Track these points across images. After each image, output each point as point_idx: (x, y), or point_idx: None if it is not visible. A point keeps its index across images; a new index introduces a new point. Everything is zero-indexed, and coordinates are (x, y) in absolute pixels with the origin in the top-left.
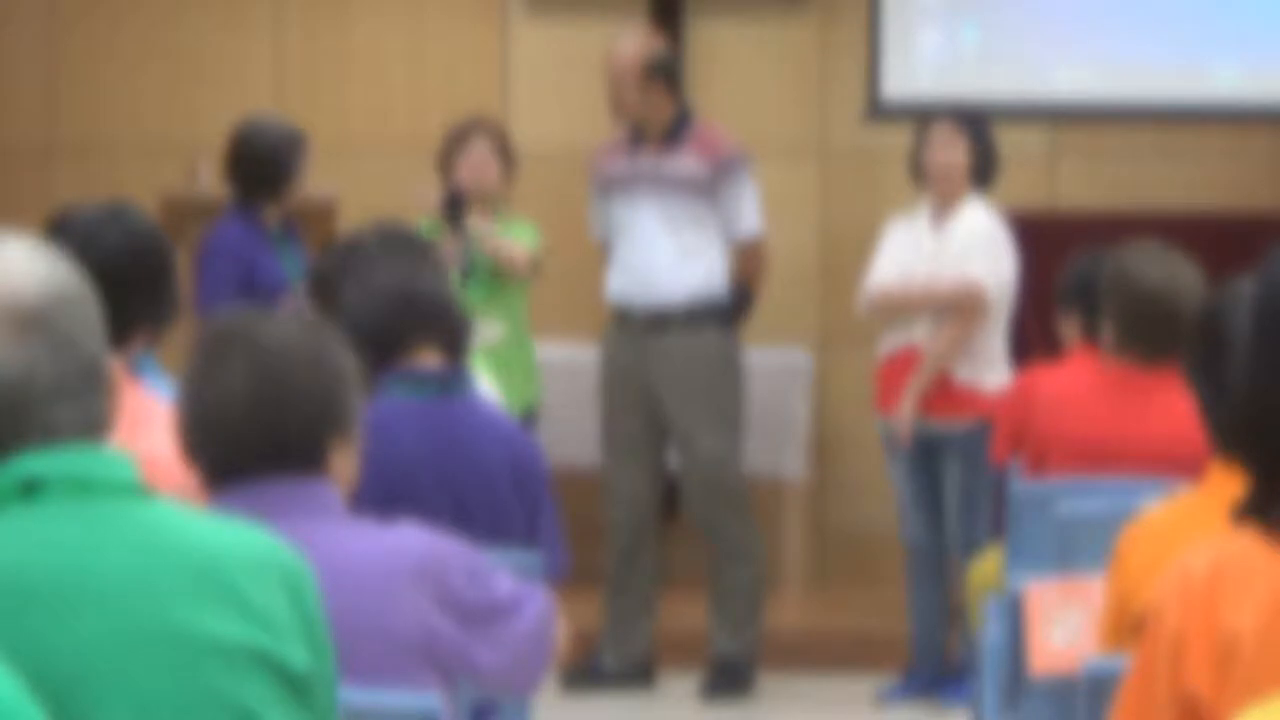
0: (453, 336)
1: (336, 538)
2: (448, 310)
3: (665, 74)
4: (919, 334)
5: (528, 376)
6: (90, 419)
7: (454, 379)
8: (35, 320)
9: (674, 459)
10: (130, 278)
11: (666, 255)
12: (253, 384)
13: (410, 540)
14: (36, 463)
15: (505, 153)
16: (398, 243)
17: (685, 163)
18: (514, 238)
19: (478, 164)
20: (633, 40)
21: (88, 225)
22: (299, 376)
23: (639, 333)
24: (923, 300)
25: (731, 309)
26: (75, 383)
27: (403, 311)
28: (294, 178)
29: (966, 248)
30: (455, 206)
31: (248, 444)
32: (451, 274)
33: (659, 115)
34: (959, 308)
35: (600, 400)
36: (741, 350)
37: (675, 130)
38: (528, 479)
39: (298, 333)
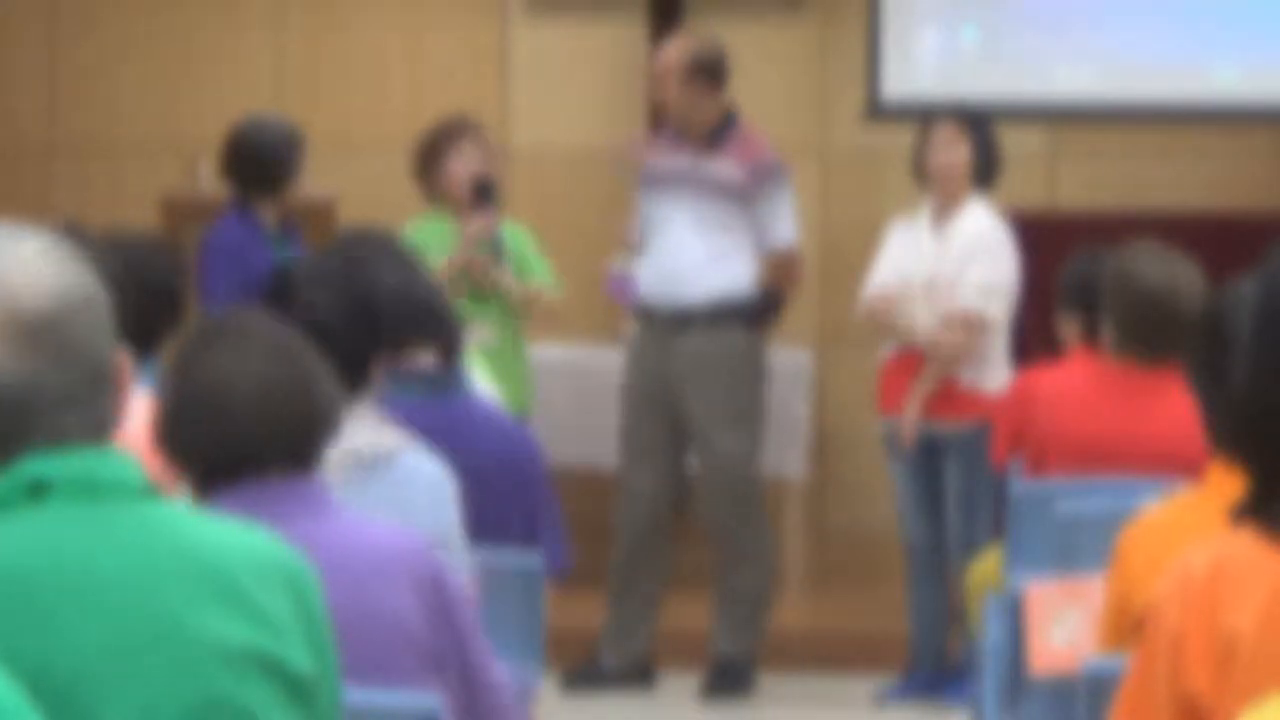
0: (447, 336)
1: (340, 534)
2: (442, 310)
3: (709, 74)
4: (920, 334)
5: (522, 379)
6: (98, 421)
7: (448, 378)
8: (40, 329)
9: (693, 460)
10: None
11: (693, 256)
12: (279, 380)
13: (412, 540)
14: (43, 465)
15: (492, 154)
16: (384, 246)
17: (723, 167)
18: (533, 275)
19: (472, 167)
20: (681, 40)
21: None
22: (317, 375)
23: (662, 333)
24: (928, 344)
25: (756, 312)
26: (82, 389)
27: (399, 312)
28: (292, 176)
29: (967, 251)
30: (484, 190)
31: (265, 439)
32: (484, 252)
33: (700, 116)
34: (966, 321)
35: (623, 399)
36: (765, 354)
37: (717, 133)
38: (526, 477)
39: (293, 334)
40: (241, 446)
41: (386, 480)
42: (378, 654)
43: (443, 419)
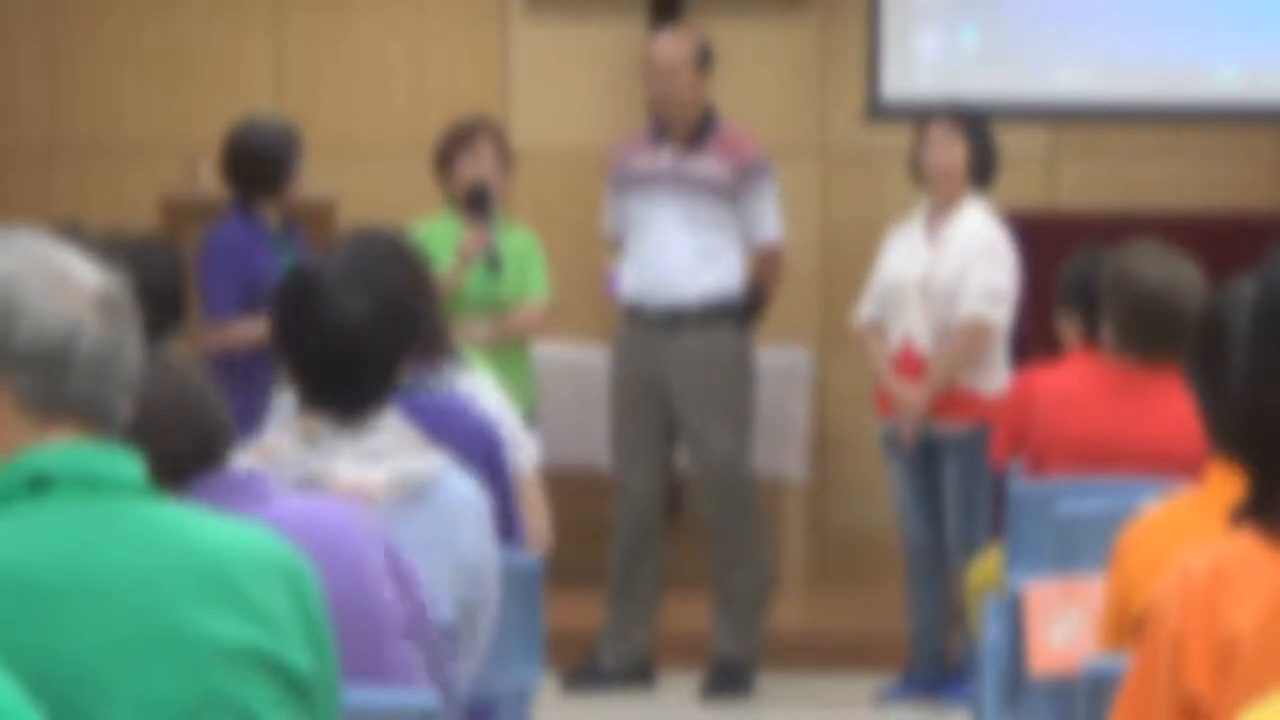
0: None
1: (305, 515)
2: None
3: (710, 64)
4: (916, 332)
5: (524, 378)
6: (125, 415)
7: (422, 374)
8: (116, 309)
9: (681, 459)
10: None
11: (684, 255)
12: (176, 389)
13: (361, 512)
14: (45, 460)
15: (506, 154)
16: (396, 244)
17: (708, 165)
18: (528, 285)
19: (483, 166)
20: (675, 34)
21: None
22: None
23: (652, 331)
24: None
25: (745, 310)
26: (135, 375)
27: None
28: (292, 176)
29: (967, 255)
30: (481, 199)
31: (191, 444)
32: (480, 265)
33: (699, 107)
34: (972, 329)
35: (611, 399)
36: (754, 351)
37: (700, 131)
38: (498, 472)
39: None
40: (179, 458)
41: (432, 505)
42: (371, 629)
43: (415, 415)
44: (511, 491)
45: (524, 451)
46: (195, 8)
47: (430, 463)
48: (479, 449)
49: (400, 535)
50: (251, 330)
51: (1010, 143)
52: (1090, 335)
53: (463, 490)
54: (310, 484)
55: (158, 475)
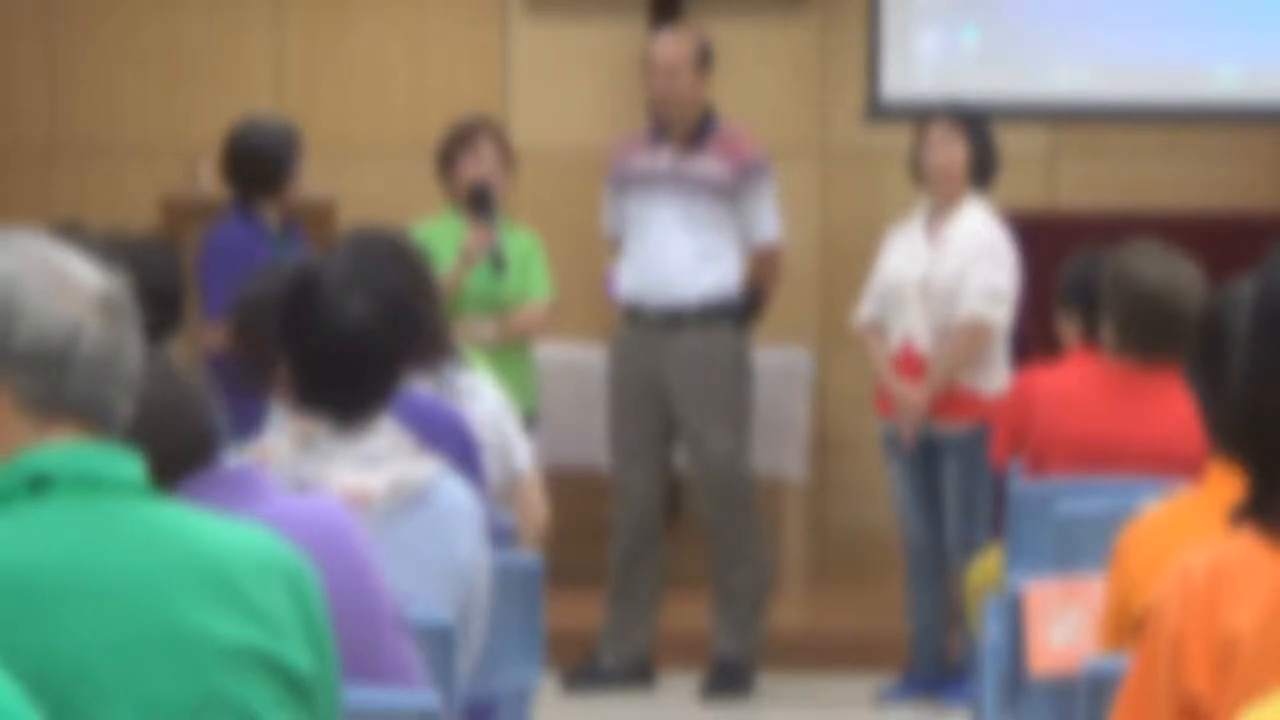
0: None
1: (297, 511)
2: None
3: (710, 63)
4: (916, 331)
5: (525, 379)
6: (125, 415)
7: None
8: (117, 310)
9: (680, 458)
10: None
11: (684, 255)
12: (169, 389)
13: (338, 504)
14: (45, 460)
15: (507, 154)
16: (398, 244)
17: (708, 165)
18: (530, 285)
19: (485, 166)
20: (675, 34)
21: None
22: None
23: (651, 331)
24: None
25: (744, 309)
26: (136, 374)
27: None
28: (292, 176)
29: (967, 255)
30: (483, 199)
31: (185, 444)
32: (484, 264)
33: (699, 107)
34: (972, 328)
35: (609, 399)
36: (751, 351)
37: (700, 131)
38: (474, 474)
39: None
40: (182, 455)
41: (428, 510)
42: (370, 627)
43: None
44: (488, 494)
45: (520, 452)
46: (195, 8)
47: (426, 468)
48: (456, 450)
49: (396, 540)
50: None
51: (1010, 143)
52: (1090, 335)
53: (458, 496)
54: (304, 489)
55: (151, 475)
